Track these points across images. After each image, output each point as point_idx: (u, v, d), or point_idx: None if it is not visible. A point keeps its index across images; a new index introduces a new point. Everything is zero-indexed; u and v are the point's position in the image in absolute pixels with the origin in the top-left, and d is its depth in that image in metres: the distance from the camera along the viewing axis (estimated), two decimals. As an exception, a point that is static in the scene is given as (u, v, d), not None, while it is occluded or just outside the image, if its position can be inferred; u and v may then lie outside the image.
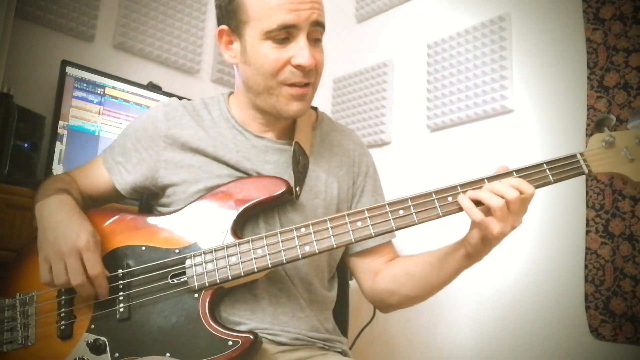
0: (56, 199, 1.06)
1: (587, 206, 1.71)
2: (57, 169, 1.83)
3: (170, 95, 2.14)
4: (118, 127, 1.98)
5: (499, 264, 1.88)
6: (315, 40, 1.06)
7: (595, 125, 1.00)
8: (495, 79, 2.02)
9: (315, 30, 1.04)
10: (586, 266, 1.68)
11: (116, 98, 2.01)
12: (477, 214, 0.93)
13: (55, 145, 1.84)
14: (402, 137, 2.37)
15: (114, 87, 2.00)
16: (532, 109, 1.94)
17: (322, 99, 2.66)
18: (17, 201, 1.49)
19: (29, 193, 1.50)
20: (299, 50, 1.02)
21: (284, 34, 1.01)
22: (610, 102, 1.70)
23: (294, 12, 1.00)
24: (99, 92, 1.96)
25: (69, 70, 1.90)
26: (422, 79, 2.30)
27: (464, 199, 0.94)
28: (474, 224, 0.96)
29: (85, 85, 1.93)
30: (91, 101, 1.94)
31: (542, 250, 1.79)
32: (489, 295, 1.92)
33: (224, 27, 1.09)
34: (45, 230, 1.01)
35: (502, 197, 0.91)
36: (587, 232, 1.70)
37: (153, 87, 2.14)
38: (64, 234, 0.99)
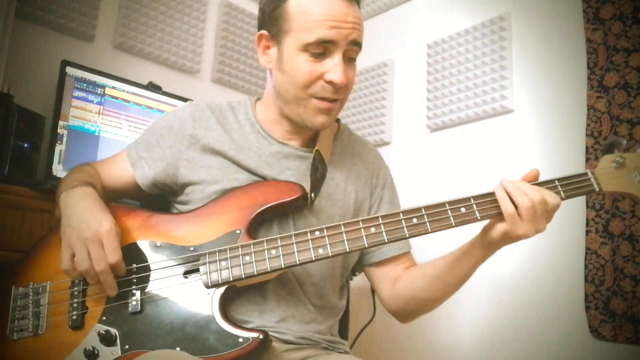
0: (81, 191, 1.08)
1: (587, 206, 1.71)
2: (57, 169, 1.82)
3: (170, 95, 2.14)
4: (118, 127, 1.98)
5: (498, 263, 1.88)
6: (349, 59, 1.08)
7: (605, 147, 1.01)
8: (495, 79, 2.02)
9: (352, 49, 1.07)
10: (586, 266, 1.68)
11: (116, 98, 2.00)
12: (510, 206, 0.94)
13: (55, 145, 1.84)
14: (402, 137, 2.37)
15: (114, 87, 2.00)
16: (532, 109, 1.94)
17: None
18: (17, 201, 1.49)
19: (29, 193, 1.50)
20: (333, 67, 1.04)
21: (321, 49, 1.03)
22: (610, 102, 1.70)
23: (335, 29, 1.02)
24: (99, 92, 1.96)
25: (69, 70, 1.90)
26: (422, 79, 2.30)
27: (499, 189, 0.96)
28: (503, 216, 0.96)
29: (85, 85, 1.93)
30: (91, 101, 1.94)
31: (542, 250, 1.79)
32: (488, 294, 1.92)
33: (264, 32, 1.11)
34: (69, 217, 1.03)
35: (528, 197, 0.93)
36: (587, 232, 1.70)
37: (153, 87, 2.13)
38: (86, 221, 1.01)
